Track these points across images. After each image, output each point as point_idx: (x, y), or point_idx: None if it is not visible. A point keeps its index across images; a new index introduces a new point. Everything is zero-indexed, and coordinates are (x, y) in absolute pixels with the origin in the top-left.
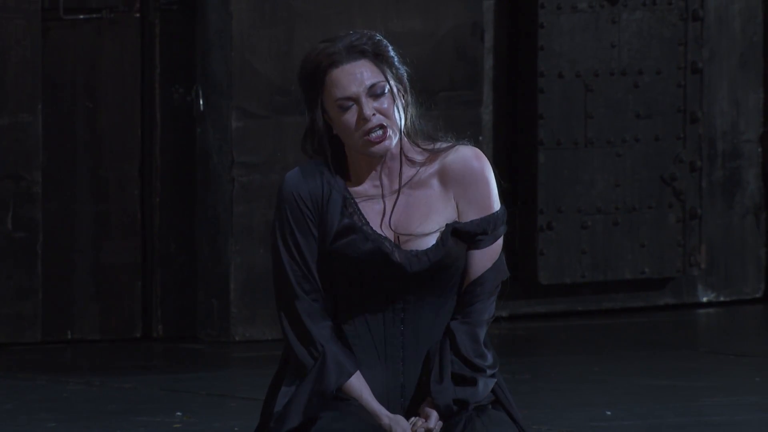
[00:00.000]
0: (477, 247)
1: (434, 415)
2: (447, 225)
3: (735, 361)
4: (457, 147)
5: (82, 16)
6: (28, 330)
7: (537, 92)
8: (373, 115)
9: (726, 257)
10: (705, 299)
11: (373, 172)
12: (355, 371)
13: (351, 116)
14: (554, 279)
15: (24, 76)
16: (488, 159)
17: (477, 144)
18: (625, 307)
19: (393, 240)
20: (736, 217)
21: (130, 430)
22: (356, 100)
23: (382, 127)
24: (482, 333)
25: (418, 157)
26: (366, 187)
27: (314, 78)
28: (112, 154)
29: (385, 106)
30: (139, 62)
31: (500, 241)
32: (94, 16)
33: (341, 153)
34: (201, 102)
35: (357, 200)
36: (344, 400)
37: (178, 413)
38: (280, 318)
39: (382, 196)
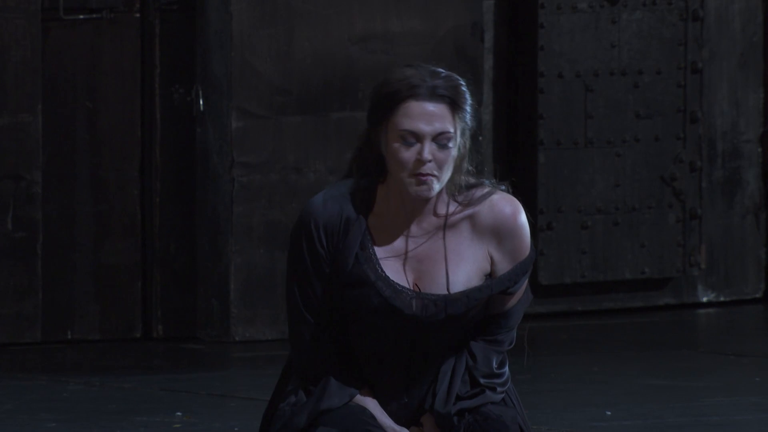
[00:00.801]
0: (505, 294)
1: None
2: (480, 290)
3: (735, 361)
4: (491, 197)
5: (82, 16)
6: (28, 330)
7: (537, 92)
8: (430, 161)
9: (726, 257)
10: (705, 299)
11: (404, 204)
12: (357, 394)
13: (409, 152)
14: (554, 279)
15: (24, 76)
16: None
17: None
18: (625, 307)
19: (412, 285)
20: (736, 217)
21: (130, 430)
22: (420, 139)
23: (432, 175)
24: (500, 357)
25: (452, 206)
26: (392, 219)
27: (389, 100)
28: (112, 154)
29: (442, 156)
30: (139, 62)
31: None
32: (94, 16)
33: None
34: (201, 102)
35: (377, 238)
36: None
37: (178, 413)
38: (289, 333)
39: (407, 234)
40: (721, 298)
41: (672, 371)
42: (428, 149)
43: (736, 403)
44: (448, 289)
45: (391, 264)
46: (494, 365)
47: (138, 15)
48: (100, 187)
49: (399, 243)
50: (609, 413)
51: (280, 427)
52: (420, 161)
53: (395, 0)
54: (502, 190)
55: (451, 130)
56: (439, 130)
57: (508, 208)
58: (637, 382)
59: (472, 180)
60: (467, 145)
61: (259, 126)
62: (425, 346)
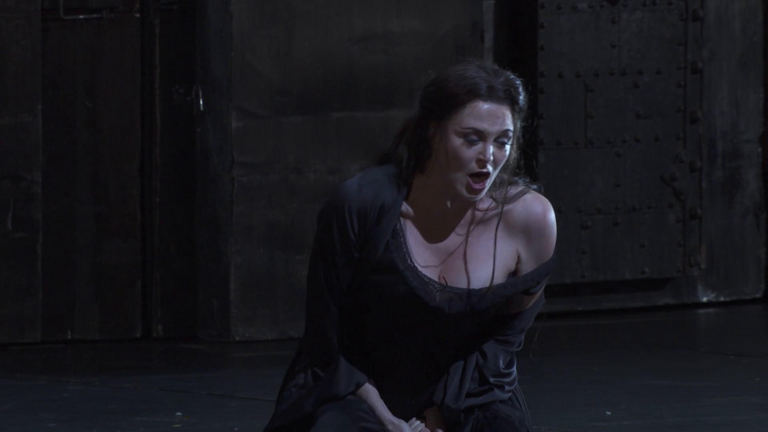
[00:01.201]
0: (526, 293)
1: None
2: (505, 288)
3: (735, 361)
4: (525, 195)
5: (82, 16)
6: (28, 330)
7: (537, 92)
8: (491, 160)
9: (726, 257)
10: (705, 299)
11: (445, 197)
12: (365, 383)
13: (471, 150)
14: (554, 279)
15: (24, 76)
16: None
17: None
18: (625, 307)
19: (439, 277)
20: (736, 217)
21: (130, 430)
22: (484, 139)
23: (487, 176)
24: (508, 357)
25: (488, 202)
26: (427, 209)
27: (454, 98)
28: (112, 154)
29: (500, 156)
30: (139, 62)
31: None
32: (94, 16)
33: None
34: (201, 102)
35: (410, 228)
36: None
37: (178, 413)
38: (306, 314)
39: (440, 226)
40: (721, 298)
41: (672, 371)
42: (490, 148)
43: (736, 403)
44: (490, 284)
45: (421, 255)
46: (501, 364)
47: (138, 15)
48: (100, 187)
49: (431, 234)
50: (609, 413)
51: (286, 408)
52: (481, 160)
53: (395, 0)
54: (534, 190)
55: (512, 129)
56: (503, 129)
57: (539, 207)
58: (637, 382)
59: (508, 177)
60: (517, 144)
61: (259, 126)
62: (440, 341)
